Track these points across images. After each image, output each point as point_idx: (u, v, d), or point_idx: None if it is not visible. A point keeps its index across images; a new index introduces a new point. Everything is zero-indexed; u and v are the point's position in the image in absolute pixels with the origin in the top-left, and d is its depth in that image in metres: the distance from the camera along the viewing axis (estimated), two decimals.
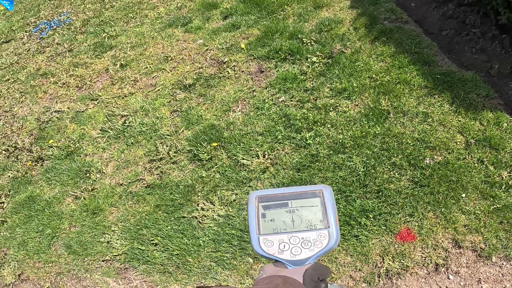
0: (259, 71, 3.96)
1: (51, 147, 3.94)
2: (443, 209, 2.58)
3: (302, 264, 0.80)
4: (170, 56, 4.33)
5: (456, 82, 3.26)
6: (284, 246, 0.81)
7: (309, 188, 0.87)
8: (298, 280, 0.75)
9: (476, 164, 2.74)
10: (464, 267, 2.40)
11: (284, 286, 0.71)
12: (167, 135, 3.62)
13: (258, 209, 0.86)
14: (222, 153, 3.31)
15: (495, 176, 2.65)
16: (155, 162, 3.45)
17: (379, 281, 2.45)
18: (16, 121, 4.41)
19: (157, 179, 3.33)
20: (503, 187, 2.59)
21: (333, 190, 2.87)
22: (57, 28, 6.06)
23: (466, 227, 2.50)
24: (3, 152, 4.13)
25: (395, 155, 2.91)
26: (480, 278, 2.36)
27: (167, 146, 3.51)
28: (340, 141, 3.11)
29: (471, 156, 2.78)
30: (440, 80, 3.30)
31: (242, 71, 3.99)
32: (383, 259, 2.49)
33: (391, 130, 3.07)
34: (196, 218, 3.00)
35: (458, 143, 2.88)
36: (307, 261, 0.80)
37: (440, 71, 3.39)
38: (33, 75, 4.85)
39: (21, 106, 4.56)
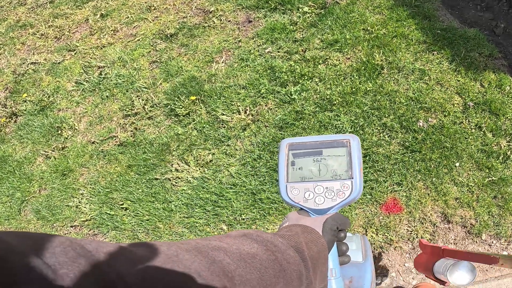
0: (247, 21, 3.50)
1: (25, 101, 3.53)
2: (434, 179, 2.20)
3: (324, 213, 0.77)
4: (153, 6, 3.86)
5: (458, 39, 2.80)
6: (309, 195, 0.79)
7: (337, 137, 0.82)
8: (318, 228, 0.73)
9: (473, 130, 2.34)
10: (451, 243, 2.06)
11: (303, 235, 0.69)
12: (144, 87, 3.21)
13: (288, 156, 0.83)
14: (201, 108, 2.92)
15: (493, 145, 2.26)
16: (129, 118, 3.06)
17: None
18: None
19: (131, 136, 2.95)
20: (500, 158, 2.21)
21: None
22: None
23: (458, 200, 2.13)
24: None
25: (386, 115, 2.51)
26: None
27: (143, 100, 3.11)
28: (328, 97, 2.70)
29: (469, 121, 2.38)
30: (440, 36, 2.84)
31: (229, 21, 3.52)
32: (366, 231, 2.13)
33: (383, 87, 2.65)
34: (170, 180, 2.65)
35: (455, 105, 2.47)
36: (328, 210, 0.77)
37: (441, 26, 2.92)
38: (12, 27, 4.38)
39: None
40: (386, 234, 2.11)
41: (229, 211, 2.43)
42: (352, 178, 0.78)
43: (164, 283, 0.44)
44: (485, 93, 2.49)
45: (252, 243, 0.60)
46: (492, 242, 2.03)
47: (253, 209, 2.39)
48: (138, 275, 0.42)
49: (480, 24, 3.01)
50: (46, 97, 3.44)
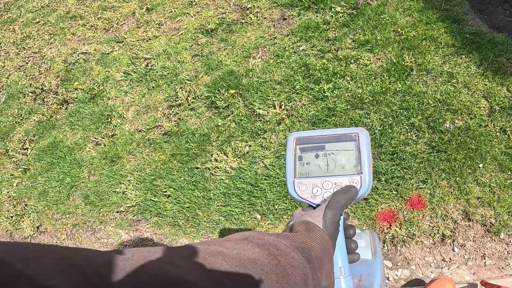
0: (281, 18, 3.53)
1: (76, 89, 3.67)
2: (457, 178, 2.24)
3: None
4: (194, 1, 3.92)
5: (486, 44, 2.78)
6: (317, 190, 0.74)
7: (346, 131, 0.78)
8: (319, 222, 0.68)
9: (498, 133, 2.36)
10: (470, 240, 2.11)
11: (306, 233, 0.65)
12: (187, 80, 3.31)
13: (296, 151, 0.79)
14: (239, 101, 3.00)
15: None
16: (173, 108, 3.17)
17: (384, 246, 2.19)
18: (44, 63, 4.13)
19: (175, 126, 3.06)
20: None
21: None
22: None
23: (479, 200, 2.17)
24: (30, 94, 3.87)
25: (414, 116, 2.54)
26: (485, 254, 2.07)
27: (186, 92, 3.20)
28: (359, 95, 2.74)
29: (494, 124, 2.39)
30: (468, 40, 2.83)
31: (265, 18, 3.56)
32: (390, 225, 2.20)
33: (412, 88, 2.68)
34: (209, 169, 2.75)
35: (481, 108, 2.48)
36: None
37: (469, 30, 2.90)
38: (62, 17, 4.50)
39: (50, 48, 4.26)
40: (409, 228, 2.17)
41: (263, 201, 2.52)
42: (361, 173, 0.74)
43: None
44: (511, 98, 2.49)
45: (253, 247, 0.56)
46: (510, 241, 2.07)
47: (286, 200, 2.48)
48: (129, 286, 0.39)
49: (508, 29, 2.97)
50: (96, 86, 3.57)
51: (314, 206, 0.74)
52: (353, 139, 0.77)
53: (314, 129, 2.70)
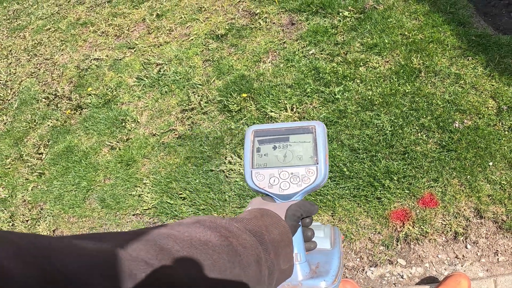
0: (290, 23, 3.59)
1: (90, 95, 3.72)
2: (468, 177, 2.29)
3: (289, 199, 0.75)
4: (203, 7, 3.98)
5: (492, 45, 2.83)
6: (274, 180, 0.76)
7: (303, 124, 0.80)
8: (281, 214, 0.70)
9: (506, 132, 2.40)
10: (483, 237, 2.15)
11: (262, 218, 0.67)
12: (199, 84, 3.36)
13: (254, 143, 0.80)
14: (251, 105, 3.05)
15: None
16: (187, 112, 3.21)
17: (397, 245, 2.23)
18: (56, 69, 4.18)
19: (188, 129, 3.11)
20: None
21: (359, 149, 2.61)
22: None
23: (490, 197, 2.22)
24: (43, 100, 3.92)
25: (424, 116, 2.59)
26: (497, 250, 2.11)
27: (198, 96, 3.25)
28: (369, 97, 2.79)
29: (502, 123, 2.44)
30: (474, 42, 2.88)
31: (274, 23, 3.62)
32: (403, 224, 2.25)
33: (421, 90, 2.73)
34: (223, 172, 2.80)
35: (489, 108, 2.53)
36: (294, 196, 0.75)
37: (475, 32, 2.96)
38: (73, 24, 4.56)
39: (62, 54, 4.31)
40: (422, 226, 2.22)
41: None
42: (317, 164, 0.76)
43: (106, 275, 0.40)
44: None
45: (205, 230, 0.56)
46: None
47: None
48: (81, 267, 0.38)
49: None
50: (109, 91, 3.62)
51: (272, 195, 0.76)
52: (310, 131, 0.79)
53: (327, 130, 2.74)
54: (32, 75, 4.30)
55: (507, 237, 2.12)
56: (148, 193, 2.91)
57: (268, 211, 0.70)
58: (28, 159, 3.53)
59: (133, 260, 0.43)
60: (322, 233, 0.92)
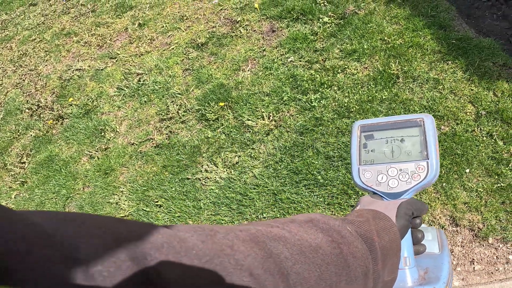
0: (271, 30, 3.54)
1: (71, 105, 3.69)
2: (444, 184, 2.21)
3: (398, 197, 0.69)
4: (185, 15, 3.94)
5: (472, 49, 2.77)
6: (382, 177, 0.71)
7: (411, 117, 0.75)
8: (392, 214, 0.64)
9: (484, 138, 2.33)
10: (459, 246, 2.07)
11: (374, 221, 0.61)
12: (178, 93, 3.31)
13: (360, 138, 0.76)
14: (228, 113, 3.00)
15: (503, 152, 2.24)
16: (165, 121, 3.17)
17: None
18: (40, 79, 4.16)
19: (166, 138, 3.06)
20: (510, 165, 2.19)
21: (334, 156, 2.55)
22: None
23: (466, 205, 2.14)
24: (27, 110, 3.91)
25: None
26: (473, 259, 2.03)
27: (177, 105, 3.21)
28: (346, 105, 2.73)
29: (480, 129, 2.37)
30: (455, 46, 2.82)
31: (254, 30, 3.57)
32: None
33: (398, 96, 2.66)
34: (200, 180, 2.74)
35: (468, 113, 2.46)
36: (403, 194, 0.69)
37: (456, 36, 2.89)
38: (57, 34, 4.55)
39: (46, 65, 4.30)
40: None
41: (252, 209, 2.51)
42: (428, 159, 0.70)
43: (207, 282, 0.37)
44: (497, 102, 2.46)
45: (317, 232, 0.53)
46: (499, 246, 2.04)
47: (274, 208, 2.46)
48: (179, 271, 0.35)
49: (495, 33, 2.96)
50: (90, 101, 3.59)
51: (380, 193, 0.71)
52: (418, 124, 0.74)
53: (303, 138, 2.69)
54: (17, 86, 4.28)
55: (483, 245, 2.04)
56: (125, 200, 2.87)
57: (380, 214, 0.64)
58: (11, 168, 3.51)
59: (238, 265, 0.40)
60: (430, 235, 0.86)
